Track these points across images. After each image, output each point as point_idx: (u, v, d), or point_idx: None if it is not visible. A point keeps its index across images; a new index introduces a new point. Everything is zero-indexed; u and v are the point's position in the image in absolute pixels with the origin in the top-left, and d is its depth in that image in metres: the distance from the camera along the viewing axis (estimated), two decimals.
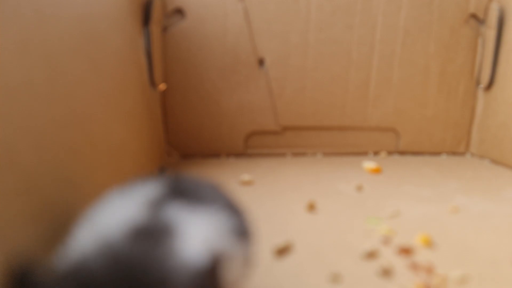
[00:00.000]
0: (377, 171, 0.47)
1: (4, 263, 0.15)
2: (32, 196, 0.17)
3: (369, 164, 0.48)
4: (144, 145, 0.39)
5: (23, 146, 0.16)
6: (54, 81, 0.19)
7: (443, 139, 0.56)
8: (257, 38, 0.50)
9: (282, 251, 0.27)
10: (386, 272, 0.25)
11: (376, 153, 0.55)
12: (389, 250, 0.28)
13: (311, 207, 0.35)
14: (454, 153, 0.57)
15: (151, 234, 0.13)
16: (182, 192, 0.15)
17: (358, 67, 0.52)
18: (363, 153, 0.55)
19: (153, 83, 0.45)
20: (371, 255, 0.27)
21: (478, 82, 0.54)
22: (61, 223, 0.19)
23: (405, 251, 0.28)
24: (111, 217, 0.14)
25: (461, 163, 0.53)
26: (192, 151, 0.52)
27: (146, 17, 0.41)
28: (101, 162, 0.25)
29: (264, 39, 0.50)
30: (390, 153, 0.56)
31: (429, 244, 0.29)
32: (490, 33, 0.52)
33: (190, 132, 0.51)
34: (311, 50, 0.51)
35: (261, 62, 0.51)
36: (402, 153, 0.56)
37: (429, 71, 0.53)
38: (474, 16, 0.53)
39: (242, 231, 0.16)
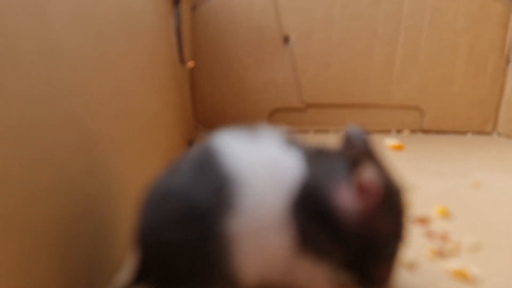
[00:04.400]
0: (398, 148, 0.48)
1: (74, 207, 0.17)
2: (89, 153, 0.19)
3: (390, 141, 0.49)
4: (174, 119, 0.41)
5: (83, 112, 0.19)
6: (103, 56, 0.21)
7: (469, 117, 0.55)
8: (282, 15, 0.51)
9: None
10: None
11: (399, 131, 0.56)
12: None
13: None
14: (480, 132, 0.56)
15: None
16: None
17: (383, 43, 0.52)
18: (385, 131, 0.56)
19: (182, 61, 0.47)
20: None
21: (508, 60, 0.53)
22: (109, 178, 0.21)
23: (422, 220, 0.29)
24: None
25: (487, 142, 0.52)
26: (218, 126, 0.54)
27: None
28: (139, 130, 0.28)
29: (289, 16, 0.51)
30: (413, 131, 0.56)
31: (445, 215, 0.30)
32: None
33: (216, 108, 0.53)
34: (335, 26, 0.51)
35: (286, 39, 0.51)
36: (425, 131, 0.56)
37: (457, 47, 0.52)
38: None
39: None
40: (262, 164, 0.17)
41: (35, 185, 0.15)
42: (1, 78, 0.13)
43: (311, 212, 0.17)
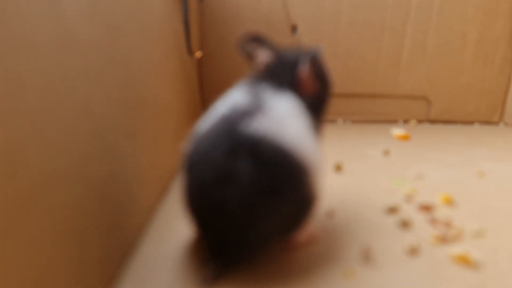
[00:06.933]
0: (405, 137, 0.48)
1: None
2: (102, 139, 0.20)
3: (397, 130, 0.49)
4: (182, 108, 0.42)
5: (95, 99, 0.19)
6: (114, 45, 0.22)
7: (476, 108, 0.55)
8: (290, 4, 0.51)
9: None
10: (406, 224, 0.27)
11: (406, 121, 0.56)
12: (410, 207, 0.30)
13: (338, 168, 0.37)
14: (487, 122, 0.56)
15: None
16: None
17: (391, 34, 0.52)
18: (392, 121, 0.56)
19: (190, 51, 0.47)
20: (392, 210, 0.29)
21: None
22: (122, 163, 0.22)
23: (426, 208, 0.29)
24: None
25: (494, 132, 0.52)
26: None
27: None
28: (150, 118, 0.28)
29: (297, 6, 0.51)
30: (420, 121, 0.56)
31: (450, 202, 0.30)
32: None
33: None
34: (344, 16, 0.51)
35: (293, 28, 0.52)
36: (433, 121, 0.56)
37: (466, 37, 0.52)
38: None
39: None
40: (286, 106, 0.24)
41: (51, 168, 0.16)
42: (17, 65, 0.14)
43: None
